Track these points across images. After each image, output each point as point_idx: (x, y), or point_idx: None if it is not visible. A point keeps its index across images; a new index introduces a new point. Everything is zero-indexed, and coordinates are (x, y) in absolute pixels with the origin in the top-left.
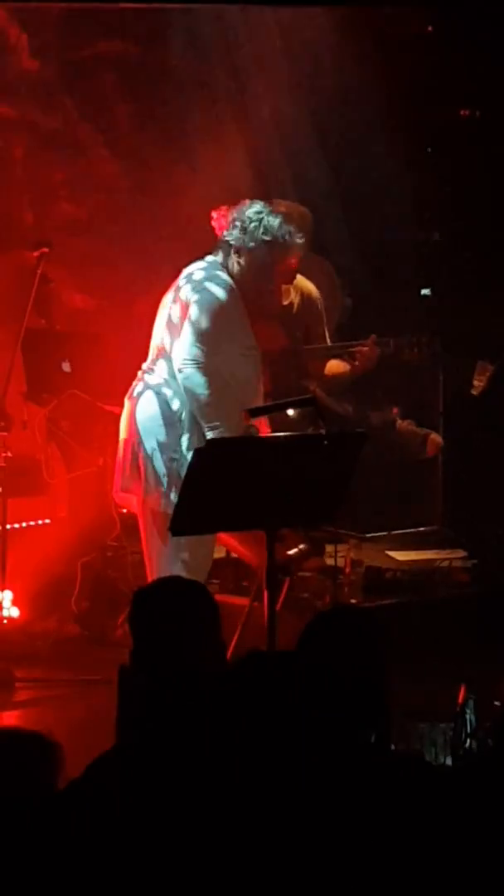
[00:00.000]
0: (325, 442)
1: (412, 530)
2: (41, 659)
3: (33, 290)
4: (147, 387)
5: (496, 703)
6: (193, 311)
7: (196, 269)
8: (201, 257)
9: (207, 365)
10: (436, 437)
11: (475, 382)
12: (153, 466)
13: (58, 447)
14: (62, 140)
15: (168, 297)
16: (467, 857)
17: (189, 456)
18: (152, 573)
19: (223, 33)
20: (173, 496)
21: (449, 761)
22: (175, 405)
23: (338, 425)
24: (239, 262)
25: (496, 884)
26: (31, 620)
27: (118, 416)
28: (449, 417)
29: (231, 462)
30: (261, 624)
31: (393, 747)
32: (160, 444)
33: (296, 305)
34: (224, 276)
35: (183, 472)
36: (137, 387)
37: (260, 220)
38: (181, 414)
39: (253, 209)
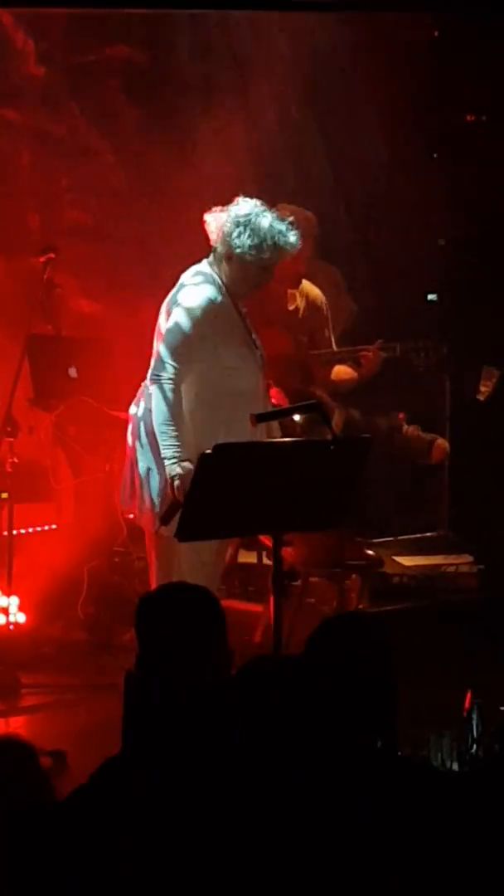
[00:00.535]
0: (332, 447)
1: (419, 535)
2: (47, 664)
3: (40, 295)
4: (144, 402)
5: (502, 708)
6: (168, 324)
7: (185, 277)
8: (199, 260)
9: (176, 381)
10: (442, 443)
11: (481, 388)
12: (148, 487)
13: (64, 453)
14: (68, 145)
15: (164, 304)
16: (474, 863)
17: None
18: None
19: (229, 39)
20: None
21: (455, 767)
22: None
23: (344, 430)
24: (230, 267)
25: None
26: (37, 626)
27: (125, 422)
28: (455, 423)
29: (237, 467)
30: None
31: (399, 753)
32: (156, 464)
33: (301, 310)
34: (209, 284)
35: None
36: (139, 402)
37: (248, 225)
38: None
39: (241, 211)
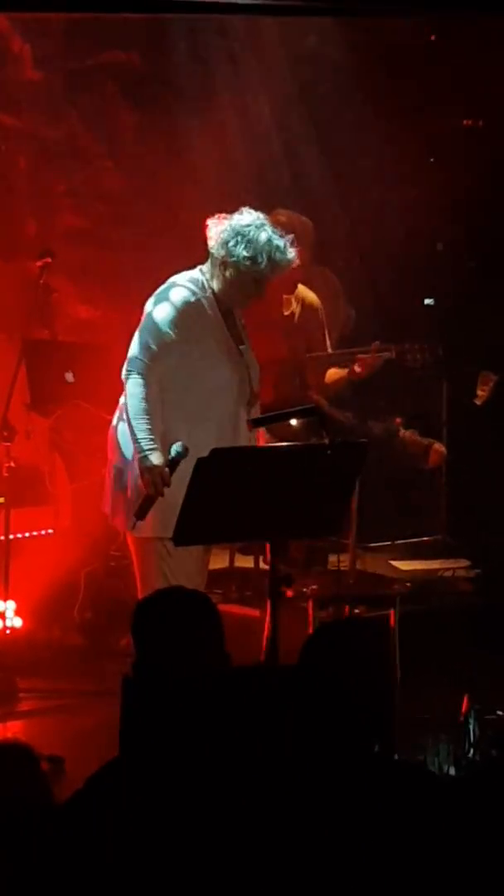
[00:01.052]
0: (328, 452)
1: (415, 540)
2: (44, 669)
3: (37, 300)
4: (119, 412)
5: (499, 712)
6: (143, 320)
7: (169, 281)
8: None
9: (147, 376)
10: (439, 447)
11: (479, 392)
12: (120, 488)
13: (61, 457)
14: (65, 150)
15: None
16: (471, 868)
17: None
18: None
19: (225, 43)
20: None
21: (452, 771)
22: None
23: (340, 435)
24: (223, 276)
25: (500, 894)
26: (34, 630)
27: None
28: (452, 427)
29: (233, 472)
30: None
31: (396, 757)
32: (127, 464)
33: (297, 315)
34: (190, 287)
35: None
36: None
37: (246, 236)
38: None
39: (242, 222)
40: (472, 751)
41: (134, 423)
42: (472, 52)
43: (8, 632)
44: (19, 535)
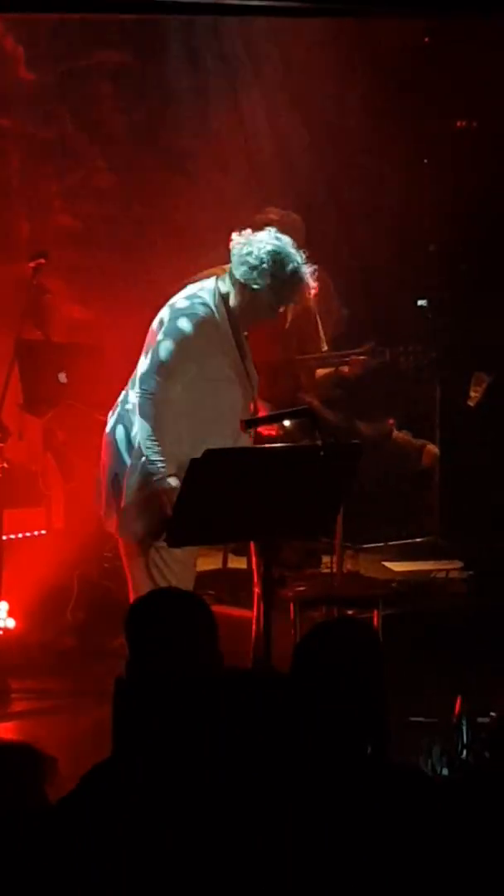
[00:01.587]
0: (322, 453)
1: (408, 541)
2: (37, 670)
3: (30, 301)
4: (116, 416)
5: (492, 714)
6: (158, 340)
7: (182, 297)
8: (202, 273)
9: (160, 396)
10: (432, 448)
11: (471, 393)
12: (114, 492)
13: (54, 458)
14: (58, 151)
15: (160, 313)
16: (464, 869)
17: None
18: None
19: (220, 44)
20: (130, 518)
21: (445, 773)
22: (133, 434)
23: (333, 436)
24: (241, 296)
25: (494, 894)
26: (26, 631)
27: None
28: (445, 428)
29: (227, 473)
30: None
31: (389, 759)
32: (125, 469)
33: (289, 313)
34: (207, 303)
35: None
36: (114, 410)
37: (273, 262)
38: (122, 433)
39: (271, 247)
40: (464, 752)
41: (146, 444)
42: (466, 54)
43: (0, 633)
44: (12, 536)
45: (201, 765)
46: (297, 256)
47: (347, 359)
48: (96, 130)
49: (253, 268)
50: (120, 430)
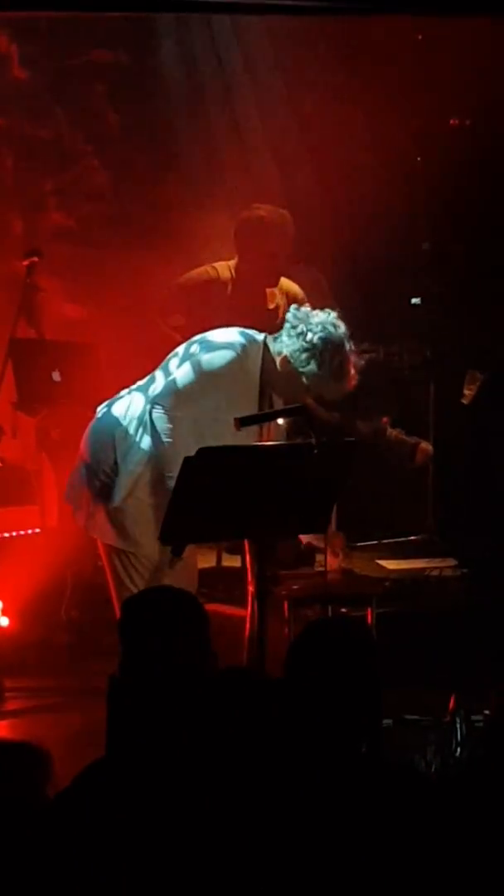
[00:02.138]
0: (316, 451)
1: (402, 539)
2: (31, 668)
3: (23, 299)
4: (105, 412)
5: (486, 711)
6: (187, 368)
7: (225, 334)
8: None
9: (173, 414)
10: (426, 446)
11: (465, 391)
12: (101, 496)
13: (48, 456)
14: (52, 149)
15: (183, 345)
16: (459, 866)
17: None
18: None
19: (214, 43)
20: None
21: (440, 771)
22: (119, 432)
23: (327, 434)
24: (281, 366)
25: (488, 892)
26: (21, 629)
27: None
28: (439, 426)
29: (220, 470)
30: None
31: (384, 756)
32: (115, 474)
33: (282, 308)
34: (245, 350)
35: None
36: (111, 403)
37: (324, 351)
38: (122, 436)
39: (326, 334)
40: (458, 749)
41: (166, 454)
42: (460, 52)
43: None
44: (6, 535)
45: (195, 763)
46: (349, 348)
47: None
48: (90, 129)
49: (302, 349)
50: (120, 431)
